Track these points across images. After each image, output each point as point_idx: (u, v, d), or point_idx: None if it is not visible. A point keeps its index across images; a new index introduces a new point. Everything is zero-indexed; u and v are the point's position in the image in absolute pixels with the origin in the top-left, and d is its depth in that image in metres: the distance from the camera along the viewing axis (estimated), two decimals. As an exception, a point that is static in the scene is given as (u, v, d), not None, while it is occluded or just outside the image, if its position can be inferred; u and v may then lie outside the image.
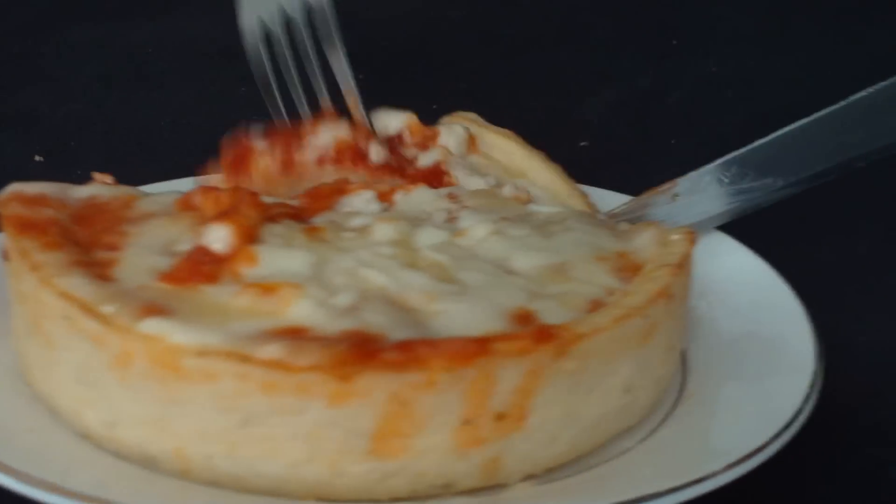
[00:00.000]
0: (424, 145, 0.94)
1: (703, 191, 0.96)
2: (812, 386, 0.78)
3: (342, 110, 1.00)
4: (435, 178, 0.93)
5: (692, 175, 0.96)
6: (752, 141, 0.98)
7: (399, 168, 0.93)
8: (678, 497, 0.68)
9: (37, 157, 1.21)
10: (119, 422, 0.71)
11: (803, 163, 0.93)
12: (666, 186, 0.97)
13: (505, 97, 1.35)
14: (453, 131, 0.96)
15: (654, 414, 0.80)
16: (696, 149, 1.01)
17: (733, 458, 0.71)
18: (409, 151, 0.94)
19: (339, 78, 1.00)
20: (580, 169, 1.04)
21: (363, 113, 0.99)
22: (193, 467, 0.69)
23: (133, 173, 1.02)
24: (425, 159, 0.93)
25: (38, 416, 0.75)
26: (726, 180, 0.95)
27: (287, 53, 1.01)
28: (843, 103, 0.92)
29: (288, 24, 1.02)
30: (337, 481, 0.69)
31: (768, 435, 0.73)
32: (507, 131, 0.99)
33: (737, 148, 1.12)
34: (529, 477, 0.72)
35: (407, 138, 0.95)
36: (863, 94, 0.91)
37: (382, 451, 0.68)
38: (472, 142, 0.96)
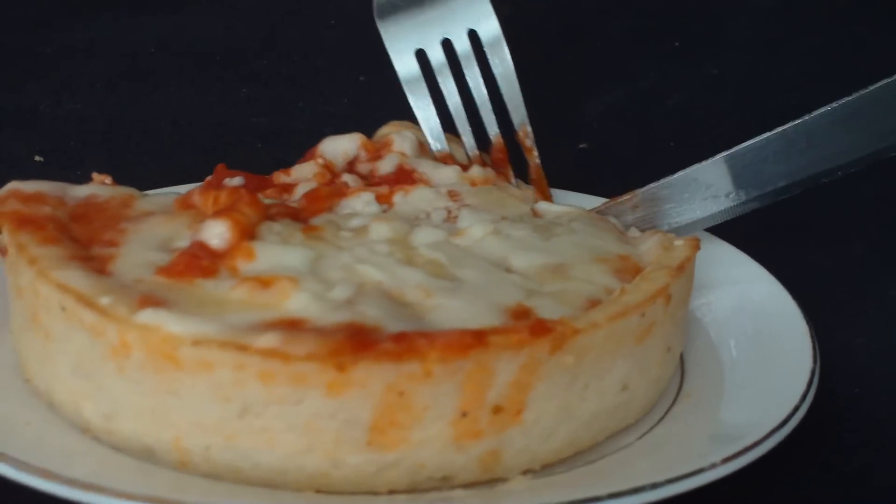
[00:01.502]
0: (378, 156, 0.95)
1: (714, 183, 0.95)
2: (809, 386, 0.79)
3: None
4: (404, 177, 0.93)
5: (706, 164, 0.96)
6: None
7: (369, 185, 0.93)
8: (675, 488, 0.68)
9: (37, 157, 1.22)
10: (117, 413, 0.71)
11: (814, 160, 0.93)
12: (679, 176, 0.96)
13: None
14: (405, 137, 0.97)
15: (651, 413, 0.80)
16: (695, 151, 1.01)
17: (731, 452, 0.71)
18: (364, 167, 0.94)
19: (512, 115, 1.00)
20: (579, 170, 1.04)
21: (535, 149, 1.00)
22: (191, 459, 0.69)
23: (133, 174, 1.03)
24: (385, 166, 0.94)
25: (35, 410, 0.75)
26: (738, 171, 0.95)
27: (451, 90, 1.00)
28: (848, 98, 0.91)
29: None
30: (335, 472, 0.69)
31: (766, 430, 0.74)
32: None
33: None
34: (528, 472, 0.72)
35: (362, 157, 0.96)
36: (862, 92, 0.91)
37: (380, 441, 0.68)
38: (421, 146, 0.97)
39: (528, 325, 0.69)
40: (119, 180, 0.96)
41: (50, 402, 0.75)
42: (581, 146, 1.16)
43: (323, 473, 0.69)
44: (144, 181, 1.00)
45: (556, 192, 1.05)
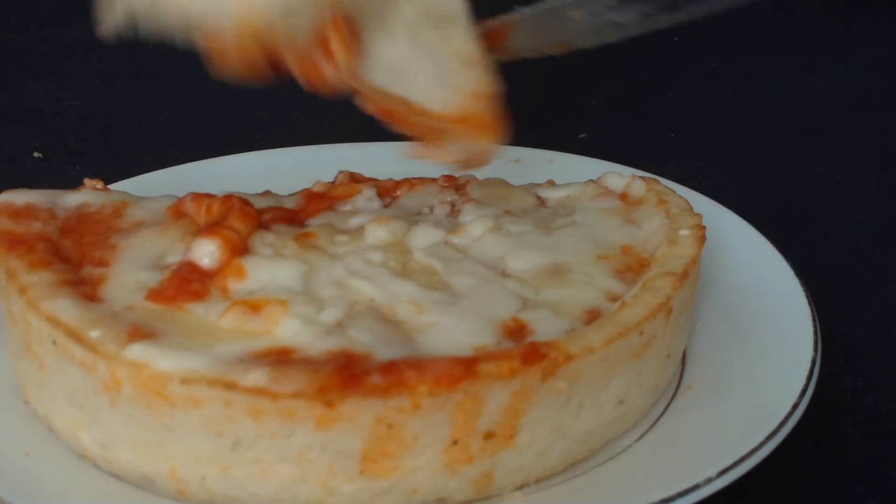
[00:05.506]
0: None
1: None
2: (808, 381, 0.77)
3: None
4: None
5: None
6: (751, 136, 0.97)
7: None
8: None
9: (36, 154, 1.22)
10: (113, 443, 0.71)
11: None
12: None
13: (505, 90, 1.34)
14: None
15: (651, 409, 0.79)
16: (694, 142, 1.01)
17: (727, 463, 0.70)
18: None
19: None
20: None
21: None
22: (188, 488, 0.70)
23: (131, 169, 1.03)
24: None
25: (35, 436, 0.75)
26: None
27: None
28: None
29: None
30: (330, 500, 0.69)
31: (763, 436, 0.73)
32: None
33: (737, 143, 1.11)
34: (522, 486, 0.72)
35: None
36: None
37: (372, 470, 0.68)
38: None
39: (519, 352, 0.68)
40: (118, 175, 0.96)
41: (49, 426, 0.75)
42: (581, 136, 1.15)
43: (318, 501, 0.69)
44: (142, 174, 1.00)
45: (557, 156, 1.05)
